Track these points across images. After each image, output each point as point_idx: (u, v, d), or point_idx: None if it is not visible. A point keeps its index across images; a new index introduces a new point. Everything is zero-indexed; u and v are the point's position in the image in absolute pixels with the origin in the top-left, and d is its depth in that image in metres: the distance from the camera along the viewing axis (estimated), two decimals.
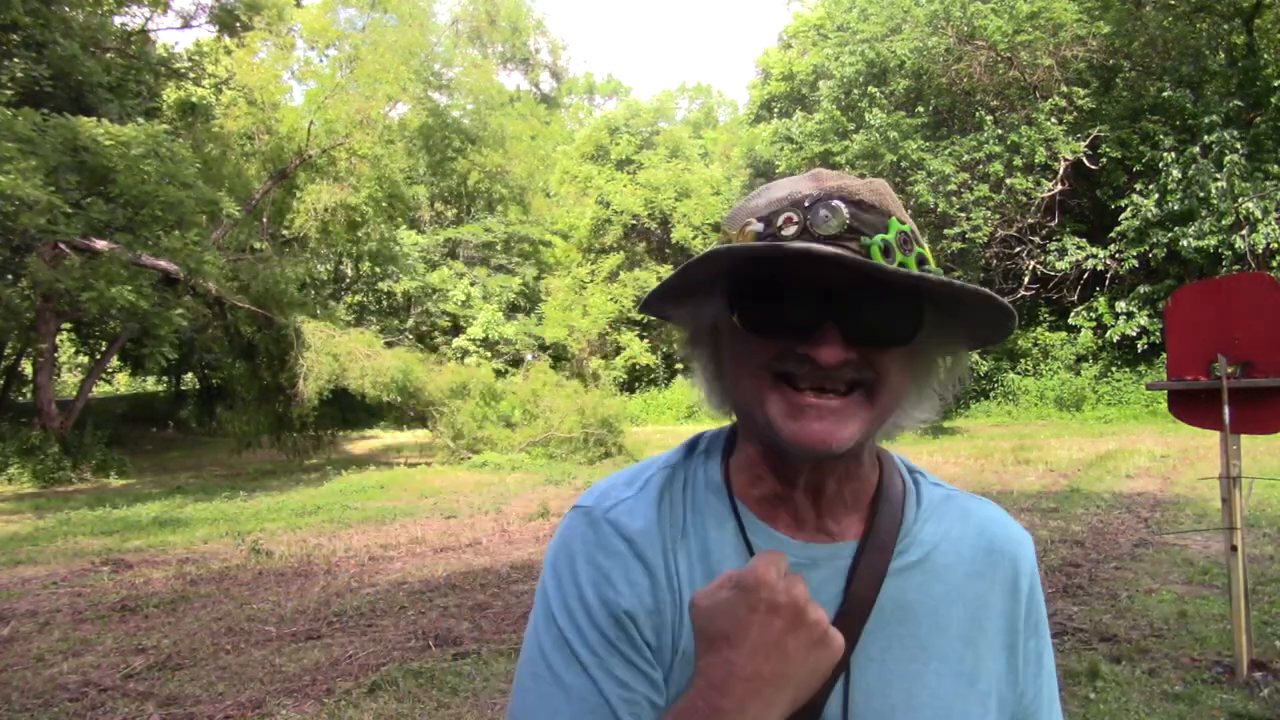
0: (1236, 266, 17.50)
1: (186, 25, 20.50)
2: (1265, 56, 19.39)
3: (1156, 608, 5.41)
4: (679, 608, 0.79)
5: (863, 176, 0.84)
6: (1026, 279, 21.20)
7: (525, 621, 1.29)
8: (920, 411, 0.85)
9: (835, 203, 0.75)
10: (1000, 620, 0.85)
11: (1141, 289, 19.50)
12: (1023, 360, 22.30)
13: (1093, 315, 20.83)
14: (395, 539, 8.89)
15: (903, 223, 0.77)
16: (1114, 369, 20.66)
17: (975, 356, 19.00)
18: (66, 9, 16.55)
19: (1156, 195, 18.60)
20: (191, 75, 19.62)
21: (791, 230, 0.75)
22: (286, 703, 4.37)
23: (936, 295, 0.77)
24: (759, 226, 0.77)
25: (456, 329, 32.31)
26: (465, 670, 4.70)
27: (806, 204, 0.76)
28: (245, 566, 7.70)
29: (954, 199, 19.08)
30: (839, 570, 0.82)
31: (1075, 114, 20.13)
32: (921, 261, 0.77)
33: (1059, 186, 20.13)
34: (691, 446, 0.89)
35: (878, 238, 0.74)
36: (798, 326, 0.75)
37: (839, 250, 0.72)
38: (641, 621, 0.78)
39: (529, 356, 31.46)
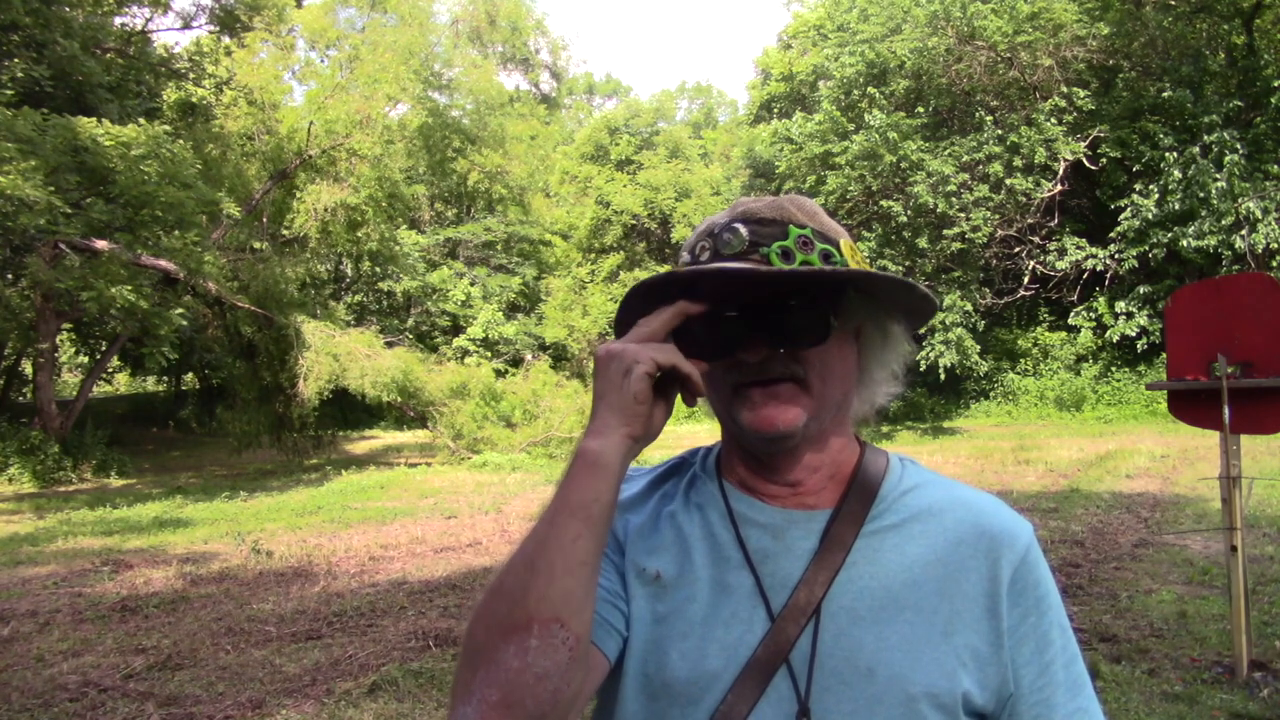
0: (1236, 266, 17.49)
1: (187, 26, 20.51)
2: (1265, 56, 19.38)
3: (1156, 608, 5.41)
4: (640, 535, 0.96)
5: (786, 193, 0.97)
6: (1026, 279, 21.19)
7: None
8: (886, 387, 0.96)
9: (736, 225, 0.88)
10: (981, 584, 0.89)
11: (1141, 289, 19.49)
12: (1023, 360, 22.30)
13: (1093, 315, 20.83)
14: (395, 539, 8.89)
15: (802, 228, 0.88)
16: (1114, 369, 20.66)
17: (975, 357, 19.01)
18: (66, 9, 16.54)
19: (1156, 195, 18.59)
20: (191, 75, 19.61)
21: (706, 255, 0.89)
22: (286, 703, 4.37)
23: (858, 285, 0.89)
24: (686, 258, 0.91)
25: (456, 329, 32.30)
26: None
27: (716, 231, 0.89)
28: (245, 566, 7.70)
29: (954, 199, 19.07)
30: (814, 531, 0.92)
31: (1075, 114, 20.13)
32: (827, 257, 0.87)
33: (1059, 187, 20.13)
34: (710, 448, 1.04)
35: (775, 245, 0.86)
36: (731, 342, 0.87)
37: (727, 266, 0.84)
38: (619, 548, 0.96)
39: (529, 356, 31.45)
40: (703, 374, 0.88)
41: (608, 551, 0.94)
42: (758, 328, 0.86)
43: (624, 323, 0.94)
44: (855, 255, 0.91)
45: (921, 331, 17.26)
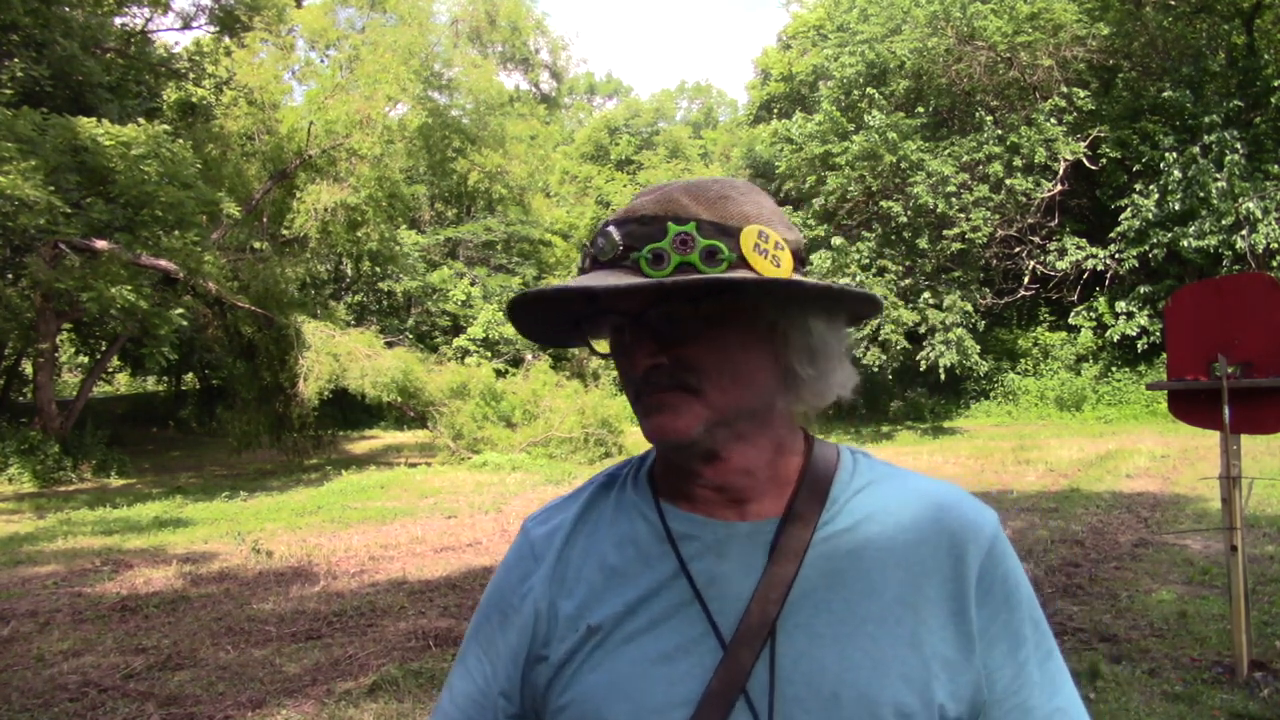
0: (1236, 266, 17.49)
1: (187, 26, 20.50)
2: (1265, 56, 19.38)
3: (1156, 608, 5.41)
4: (565, 589, 0.88)
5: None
6: (1026, 279, 21.19)
7: None
8: (831, 380, 0.88)
9: (608, 229, 0.82)
10: (945, 585, 0.83)
11: (1141, 289, 19.49)
12: (1023, 360, 22.29)
13: (1093, 315, 20.82)
14: (395, 539, 8.89)
15: (685, 223, 0.79)
16: (1114, 369, 20.65)
17: (975, 357, 19.00)
18: (66, 9, 16.53)
19: (1156, 195, 18.59)
20: (191, 75, 19.61)
21: (586, 263, 0.84)
22: (286, 703, 4.37)
23: (708, 286, 0.79)
24: (581, 262, 0.86)
25: (457, 329, 32.28)
26: None
27: (593, 234, 0.84)
28: (245, 566, 7.70)
29: (954, 200, 19.07)
30: (761, 544, 0.84)
31: (1075, 114, 20.12)
32: (710, 255, 0.79)
33: (1059, 187, 20.13)
34: (646, 454, 0.96)
35: (646, 250, 0.79)
36: (621, 351, 0.84)
37: (594, 280, 0.79)
38: (523, 613, 0.89)
39: (529, 357, 31.44)
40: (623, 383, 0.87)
41: (494, 637, 0.90)
42: (639, 335, 0.82)
43: (529, 332, 0.91)
44: (766, 243, 0.81)
45: (922, 332, 17.04)
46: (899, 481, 0.89)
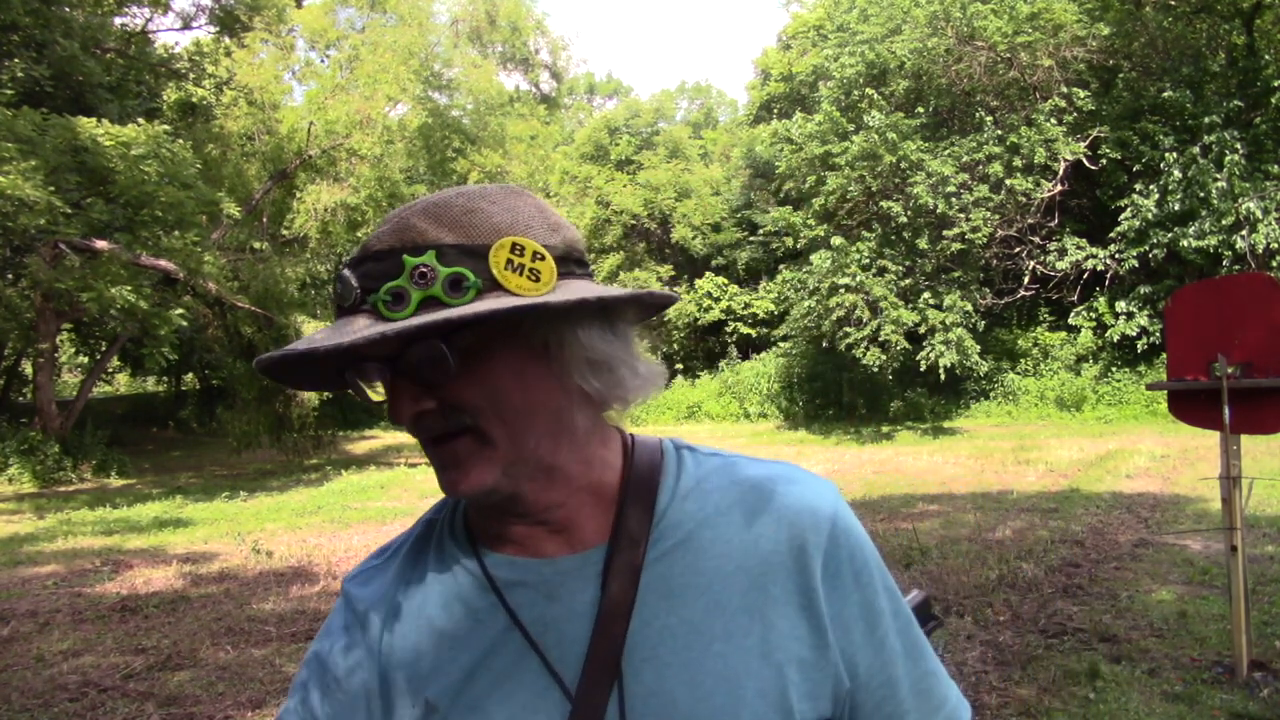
0: (1236, 266, 17.48)
1: (187, 26, 20.52)
2: (1265, 56, 19.37)
3: (1156, 608, 5.41)
4: (395, 660, 0.80)
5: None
6: (1026, 279, 21.17)
7: None
8: (630, 384, 0.79)
9: (344, 273, 0.74)
10: (790, 581, 0.77)
11: (1141, 289, 19.48)
12: (1023, 360, 22.28)
13: (1093, 315, 20.81)
14: None
15: (420, 253, 0.71)
16: (1114, 369, 20.64)
17: (975, 357, 18.98)
18: (66, 9, 16.54)
19: (1157, 195, 18.58)
20: (191, 75, 19.62)
21: (334, 309, 0.76)
22: None
23: (453, 325, 0.70)
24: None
25: None
26: None
27: (334, 279, 0.76)
28: (245, 566, 7.70)
29: (953, 200, 19.06)
30: (591, 577, 0.78)
31: (1075, 114, 20.12)
32: (455, 284, 0.71)
33: (1059, 187, 20.12)
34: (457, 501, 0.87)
35: (383, 290, 0.71)
36: (381, 398, 0.75)
37: (291, 350, 0.71)
38: (350, 690, 0.81)
39: None
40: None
41: (316, 711, 0.82)
42: (399, 382, 0.73)
43: (299, 384, 0.82)
44: (521, 256, 0.73)
45: (922, 332, 17.00)
46: (728, 474, 0.83)
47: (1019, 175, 19.42)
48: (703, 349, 30.67)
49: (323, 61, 24.61)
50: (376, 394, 0.77)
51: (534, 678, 0.76)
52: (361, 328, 0.70)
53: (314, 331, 0.75)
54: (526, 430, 0.75)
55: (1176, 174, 18.10)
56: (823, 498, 0.81)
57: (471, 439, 0.74)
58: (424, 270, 0.71)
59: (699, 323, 29.56)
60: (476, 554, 0.81)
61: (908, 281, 19.48)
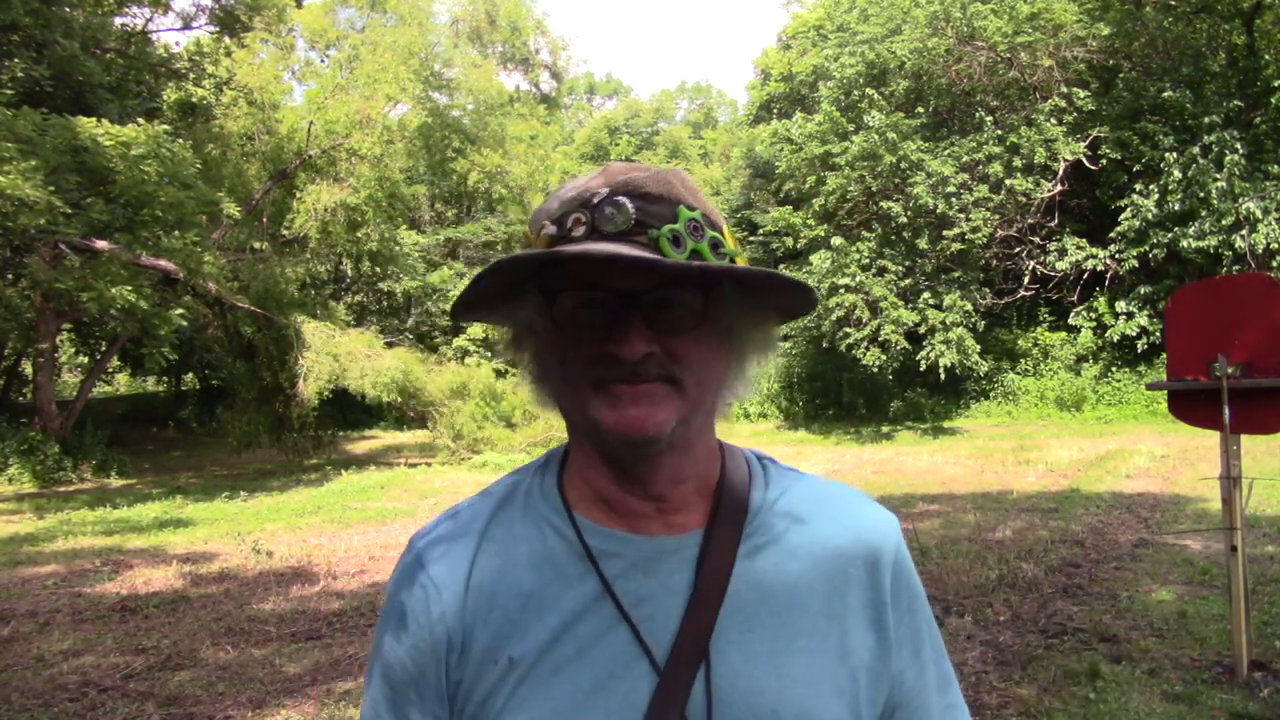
0: (1236, 266, 17.48)
1: (187, 26, 20.52)
2: (1265, 56, 19.37)
3: (1156, 608, 5.41)
4: (479, 618, 0.81)
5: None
6: (1026, 279, 21.17)
7: None
8: (741, 387, 0.85)
9: (620, 199, 0.75)
10: (864, 594, 0.83)
11: (1141, 289, 19.48)
12: (1023, 360, 22.28)
13: (1093, 315, 20.81)
14: (395, 539, 8.88)
15: (692, 209, 0.77)
16: (1114, 369, 20.64)
17: (975, 357, 19.01)
18: (66, 9, 16.55)
19: (1156, 195, 18.58)
20: (191, 75, 19.62)
21: (581, 230, 0.75)
22: (286, 703, 4.37)
23: (737, 277, 0.77)
24: (553, 229, 0.77)
25: (457, 329, 32.26)
26: None
27: (594, 202, 0.76)
28: (245, 566, 7.70)
29: (953, 200, 19.06)
30: (687, 560, 0.80)
31: (1075, 114, 20.12)
32: (716, 245, 0.77)
33: (1059, 187, 20.12)
34: (547, 459, 0.90)
35: (665, 229, 0.74)
36: (602, 325, 0.75)
37: (617, 248, 0.72)
38: (425, 662, 0.81)
39: None
40: (552, 365, 0.80)
41: (407, 686, 0.82)
42: (630, 318, 0.75)
43: (471, 304, 0.82)
44: (735, 242, 0.81)
45: (922, 332, 17.04)
46: (809, 488, 0.88)
47: (1019, 175, 19.43)
48: None
49: (323, 61, 24.63)
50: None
51: (622, 647, 0.78)
52: (648, 254, 0.72)
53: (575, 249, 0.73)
54: (704, 398, 0.80)
55: (1176, 174, 18.10)
56: (891, 523, 0.88)
57: (670, 386, 0.77)
58: (696, 224, 0.76)
59: None
60: (572, 520, 0.83)
61: (908, 281, 19.48)
